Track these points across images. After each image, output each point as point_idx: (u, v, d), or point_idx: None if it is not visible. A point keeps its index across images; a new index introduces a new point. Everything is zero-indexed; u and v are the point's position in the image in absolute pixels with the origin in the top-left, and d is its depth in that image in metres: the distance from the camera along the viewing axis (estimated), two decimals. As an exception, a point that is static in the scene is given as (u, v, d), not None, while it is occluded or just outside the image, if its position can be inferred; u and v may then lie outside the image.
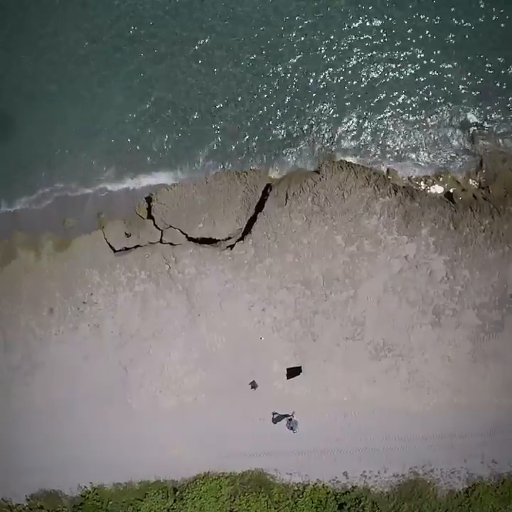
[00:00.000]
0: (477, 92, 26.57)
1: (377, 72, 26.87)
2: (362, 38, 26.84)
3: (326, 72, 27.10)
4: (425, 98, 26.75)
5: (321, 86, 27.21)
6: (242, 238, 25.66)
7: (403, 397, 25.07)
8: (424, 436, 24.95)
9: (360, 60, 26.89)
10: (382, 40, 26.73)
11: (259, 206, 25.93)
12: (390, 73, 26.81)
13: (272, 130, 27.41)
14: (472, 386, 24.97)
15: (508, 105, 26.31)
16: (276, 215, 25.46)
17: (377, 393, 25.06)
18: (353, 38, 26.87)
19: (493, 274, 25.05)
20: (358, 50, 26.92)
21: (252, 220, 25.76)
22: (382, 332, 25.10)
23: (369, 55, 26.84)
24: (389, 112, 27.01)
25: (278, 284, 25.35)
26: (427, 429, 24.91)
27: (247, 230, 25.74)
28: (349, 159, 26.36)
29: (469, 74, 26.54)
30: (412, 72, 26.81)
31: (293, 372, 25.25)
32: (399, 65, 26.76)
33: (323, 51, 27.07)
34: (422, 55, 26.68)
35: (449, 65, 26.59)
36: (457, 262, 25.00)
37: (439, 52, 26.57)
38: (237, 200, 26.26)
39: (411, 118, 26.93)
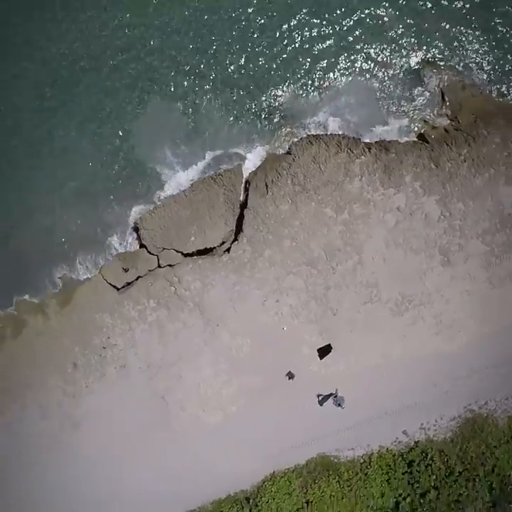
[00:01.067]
0: (417, 29, 26.54)
1: (317, 40, 26.88)
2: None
3: (268, 52, 27.06)
4: (369, 51, 26.79)
5: (271, 66, 27.21)
6: (235, 239, 25.40)
7: (436, 342, 25.05)
8: (467, 373, 24.89)
9: (296, 33, 26.71)
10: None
11: (243, 203, 25.76)
12: (330, 36, 26.88)
13: (235, 122, 27.27)
14: (497, 311, 24.90)
15: (451, 34, 26.14)
16: (262, 206, 25.23)
17: (410, 346, 24.99)
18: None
19: (486, 198, 25.04)
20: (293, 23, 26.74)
21: (240, 219, 25.56)
22: (397, 287, 24.94)
23: (306, 23, 26.77)
24: (340, 75, 27.02)
25: (283, 272, 25.11)
26: (467, 365, 24.87)
27: (238, 229, 25.51)
28: (315, 132, 26.03)
29: (405, 16, 26.49)
30: (349, 26, 26.79)
31: (324, 351, 25.04)
32: (336, 26, 26.76)
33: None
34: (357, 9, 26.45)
35: (383, 11, 26.15)
36: (448, 198, 24.83)
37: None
38: (220, 204, 25.97)
39: (363, 76, 26.95)
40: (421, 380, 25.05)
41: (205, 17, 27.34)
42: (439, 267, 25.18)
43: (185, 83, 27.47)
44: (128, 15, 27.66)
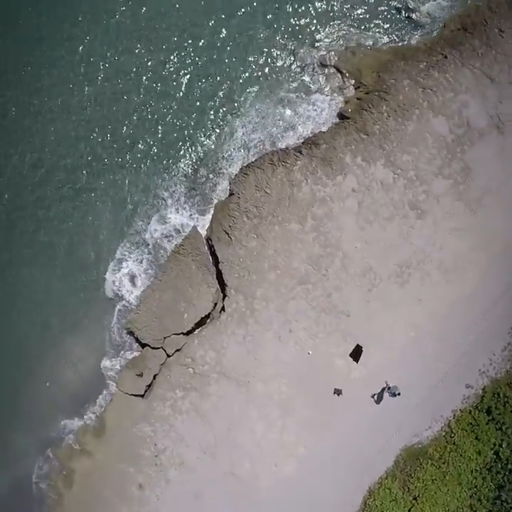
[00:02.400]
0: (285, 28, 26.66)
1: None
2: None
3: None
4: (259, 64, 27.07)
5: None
6: (225, 295, 24.75)
7: (452, 289, 24.58)
8: (493, 302, 24.35)
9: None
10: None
11: (215, 260, 25.10)
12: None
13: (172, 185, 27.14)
14: (491, 232, 24.60)
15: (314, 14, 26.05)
16: (232, 254, 24.81)
17: (431, 306, 24.52)
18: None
19: (425, 138, 24.97)
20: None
21: (219, 275, 24.93)
22: (390, 260, 24.68)
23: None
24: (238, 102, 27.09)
25: (282, 301, 24.47)
26: (491, 296, 24.37)
27: (222, 285, 24.93)
28: (244, 163, 25.99)
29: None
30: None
31: (356, 353, 24.48)
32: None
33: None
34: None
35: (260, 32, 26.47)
36: (393, 157, 24.69)
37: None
38: (194, 272, 25.54)
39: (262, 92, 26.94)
40: (457, 329, 24.47)
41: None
42: (417, 221, 24.90)
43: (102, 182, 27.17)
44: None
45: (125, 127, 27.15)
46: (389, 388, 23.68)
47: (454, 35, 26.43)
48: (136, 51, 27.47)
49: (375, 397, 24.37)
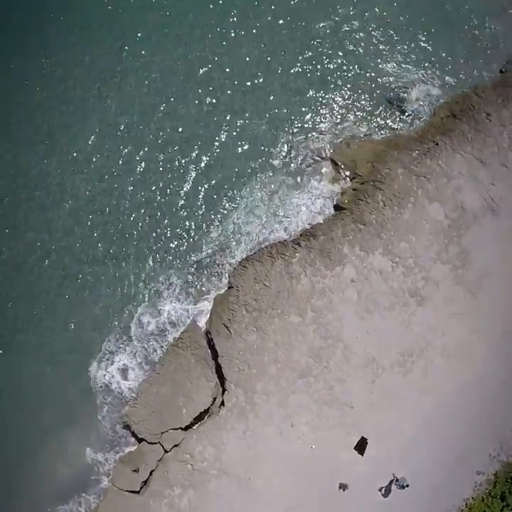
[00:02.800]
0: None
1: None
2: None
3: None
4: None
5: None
6: (224, 389, 24.20)
7: (457, 376, 24.18)
8: (501, 385, 24.04)
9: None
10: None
11: (214, 353, 24.51)
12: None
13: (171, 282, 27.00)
14: (492, 311, 24.56)
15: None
16: (231, 347, 24.35)
17: (435, 394, 23.98)
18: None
19: (422, 225, 25.19)
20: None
21: (218, 369, 24.41)
22: (391, 349, 24.33)
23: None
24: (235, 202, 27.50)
25: (283, 395, 23.94)
26: (498, 378, 24.13)
27: (222, 379, 24.31)
28: (243, 256, 25.89)
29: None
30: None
31: (361, 446, 23.80)
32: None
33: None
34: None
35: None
36: (390, 245, 24.66)
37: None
38: (193, 365, 25.03)
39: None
40: (465, 415, 23.87)
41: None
42: (418, 308, 24.77)
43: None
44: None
45: (125, 220, 27.16)
46: (397, 480, 22.90)
47: (444, 123, 27.09)
48: (141, 153, 28.10)
49: (383, 490, 23.49)
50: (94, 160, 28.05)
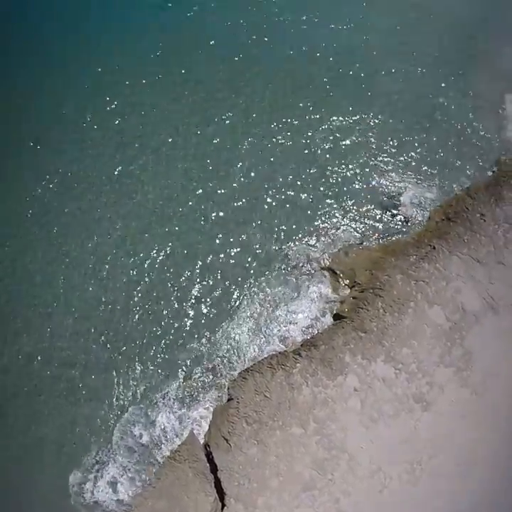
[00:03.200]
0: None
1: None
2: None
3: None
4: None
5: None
6: (223, 504, 23.17)
7: (469, 481, 22.92)
8: None
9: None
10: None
11: (213, 467, 23.73)
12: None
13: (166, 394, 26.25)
14: (500, 411, 23.76)
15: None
16: (231, 461, 23.62)
17: (448, 501, 22.75)
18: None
19: (423, 330, 25.06)
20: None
21: (217, 483, 23.39)
22: (398, 457, 23.47)
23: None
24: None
25: (286, 510, 23.35)
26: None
27: (221, 494, 23.33)
28: (242, 367, 25.82)
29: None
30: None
31: None
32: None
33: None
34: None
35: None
36: (392, 352, 24.35)
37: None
38: (191, 479, 24.10)
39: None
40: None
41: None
42: (424, 413, 24.14)
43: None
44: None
45: (120, 328, 27.36)
46: None
47: (440, 226, 27.69)
48: (141, 255, 28.93)
49: None
50: (92, 267, 28.71)
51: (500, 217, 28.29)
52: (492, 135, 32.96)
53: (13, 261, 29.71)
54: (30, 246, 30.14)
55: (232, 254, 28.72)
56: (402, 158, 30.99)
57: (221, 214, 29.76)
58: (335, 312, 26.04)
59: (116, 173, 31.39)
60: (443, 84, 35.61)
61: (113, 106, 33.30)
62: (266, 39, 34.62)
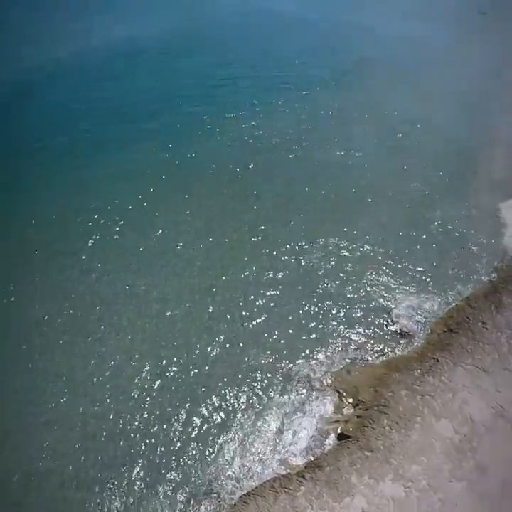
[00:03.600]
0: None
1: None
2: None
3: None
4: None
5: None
6: None
7: None
8: None
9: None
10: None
11: None
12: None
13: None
14: None
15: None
16: None
17: None
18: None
19: (432, 444, 25.12)
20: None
21: None
22: None
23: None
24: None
25: None
26: None
27: None
28: (244, 491, 25.59)
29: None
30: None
31: None
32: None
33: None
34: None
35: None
36: (401, 470, 24.77)
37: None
38: None
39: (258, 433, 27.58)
40: None
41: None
42: None
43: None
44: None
45: (116, 447, 27.20)
46: None
47: (442, 338, 28.64)
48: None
49: None
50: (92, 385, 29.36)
51: (501, 324, 29.15)
52: (488, 242, 34.44)
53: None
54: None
55: (234, 378, 29.47)
56: (399, 272, 32.81)
57: (222, 332, 31.10)
58: (339, 432, 26.49)
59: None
60: (437, 196, 38.04)
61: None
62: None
